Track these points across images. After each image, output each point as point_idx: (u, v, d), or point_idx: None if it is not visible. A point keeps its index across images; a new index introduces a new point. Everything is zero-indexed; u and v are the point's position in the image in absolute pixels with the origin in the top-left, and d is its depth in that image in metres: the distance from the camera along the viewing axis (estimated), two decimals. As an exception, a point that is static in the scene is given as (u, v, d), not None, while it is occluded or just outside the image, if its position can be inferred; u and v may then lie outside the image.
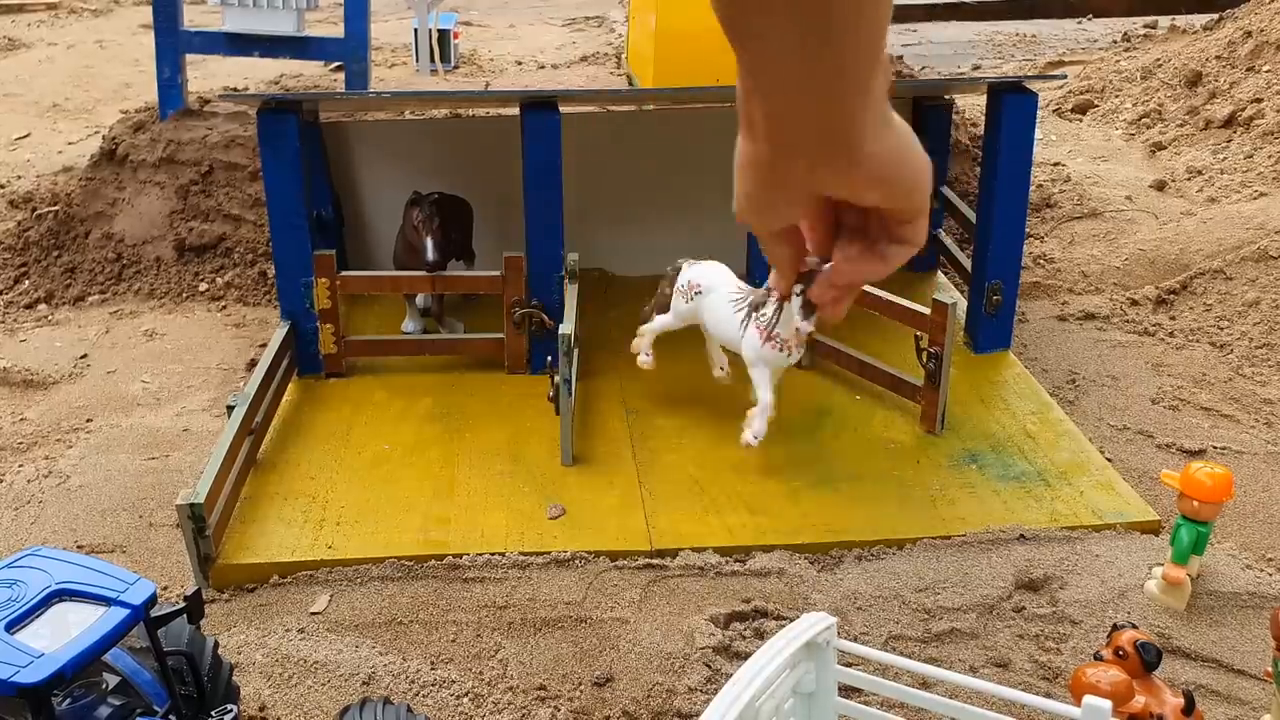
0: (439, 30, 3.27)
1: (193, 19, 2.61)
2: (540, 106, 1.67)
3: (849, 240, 0.64)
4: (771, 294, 1.37)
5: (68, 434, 1.74)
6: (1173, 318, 2.02)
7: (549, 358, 1.57)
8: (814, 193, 0.61)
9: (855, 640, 1.09)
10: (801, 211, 0.63)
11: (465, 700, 1.13)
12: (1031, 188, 2.10)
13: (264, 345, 1.84)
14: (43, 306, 2.22)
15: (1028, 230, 2.24)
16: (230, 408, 1.50)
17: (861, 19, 0.54)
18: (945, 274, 2.15)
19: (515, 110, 1.74)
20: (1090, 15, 5.28)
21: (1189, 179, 2.57)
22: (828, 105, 0.57)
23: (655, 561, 1.34)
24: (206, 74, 3.92)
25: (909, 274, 2.16)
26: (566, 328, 1.51)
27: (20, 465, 1.64)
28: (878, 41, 0.56)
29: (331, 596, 1.29)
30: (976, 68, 4.27)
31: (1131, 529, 1.39)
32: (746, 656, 0.81)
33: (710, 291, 1.54)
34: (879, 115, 0.59)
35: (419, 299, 1.87)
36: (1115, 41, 4.33)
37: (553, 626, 1.24)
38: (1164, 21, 4.51)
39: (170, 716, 0.92)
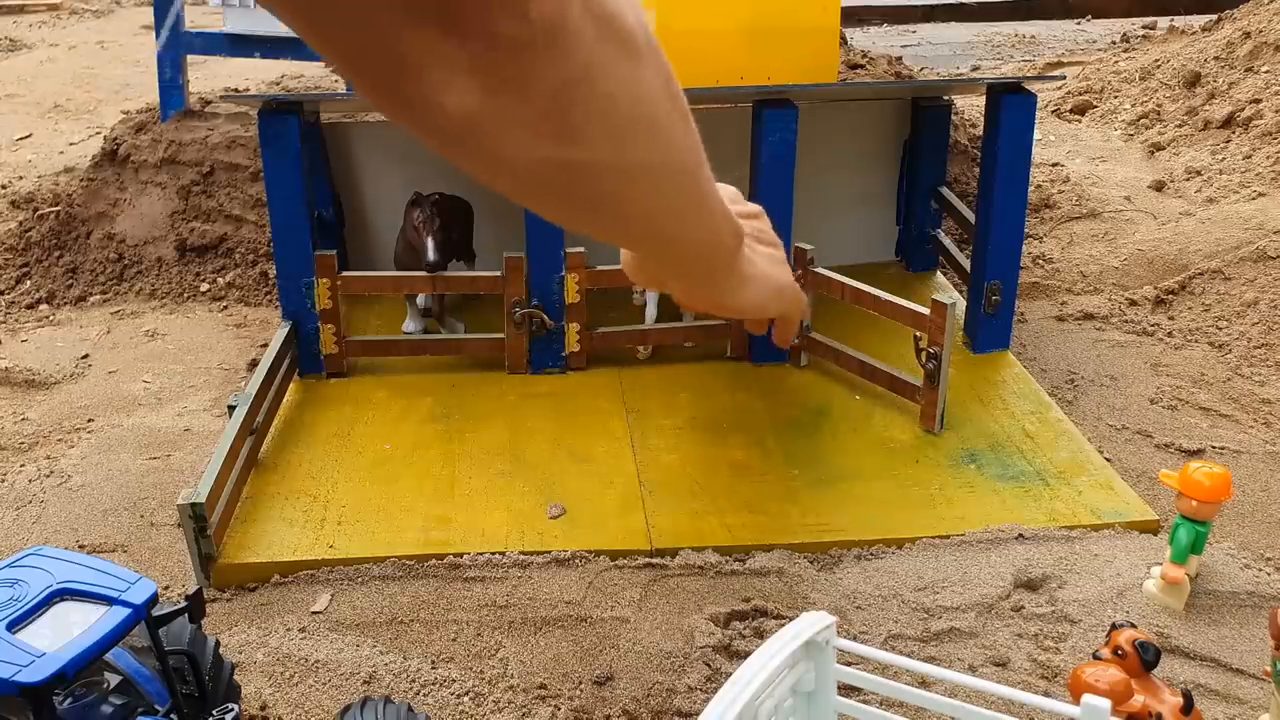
0: (439, 31, 3.27)
1: (194, 20, 2.61)
2: (540, 107, 1.67)
3: None
4: None
5: (69, 434, 1.74)
6: (1171, 318, 2.03)
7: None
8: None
9: (855, 639, 1.09)
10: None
11: (466, 699, 1.14)
12: (1030, 188, 2.10)
13: (265, 345, 1.84)
14: (44, 306, 2.23)
15: (1026, 230, 2.24)
16: (231, 408, 1.50)
17: (680, 246, 0.72)
18: (944, 274, 2.16)
19: (515, 111, 1.74)
20: (1089, 16, 5.28)
21: (1188, 179, 2.57)
22: (691, 285, 0.81)
23: (655, 561, 1.34)
24: (208, 75, 3.92)
25: (908, 274, 2.17)
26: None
27: (22, 465, 1.65)
28: (706, 252, 0.75)
29: (332, 596, 1.30)
30: (975, 68, 4.28)
31: (1130, 528, 1.39)
32: (746, 655, 0.81)
33: None
34: (735, 281, 0.80)
35: (420, 299, 1.87)
36: (1114, 42, 4.34)
37: (553, 625, 1.24)
38: (1163, 22, 4.51)
39: (171, 715, 0.92)
